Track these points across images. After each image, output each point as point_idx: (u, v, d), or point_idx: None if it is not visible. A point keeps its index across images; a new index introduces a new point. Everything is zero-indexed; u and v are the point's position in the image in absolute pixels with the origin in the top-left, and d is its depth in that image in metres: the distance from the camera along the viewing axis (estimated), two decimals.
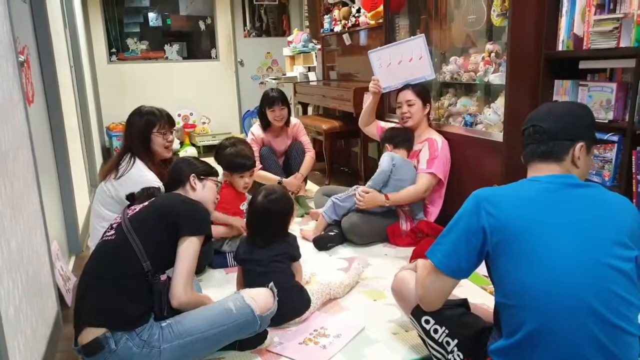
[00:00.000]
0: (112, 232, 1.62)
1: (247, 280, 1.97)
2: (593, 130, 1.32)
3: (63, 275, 2.29)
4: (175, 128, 2.46)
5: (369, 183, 2.79)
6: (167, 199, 1.77)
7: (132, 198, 1.80)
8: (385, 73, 3.02)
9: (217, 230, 2.46)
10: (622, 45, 1.93)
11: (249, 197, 2.63)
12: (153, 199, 1.74)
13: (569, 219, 1.19)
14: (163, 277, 1.60)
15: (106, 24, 5.90)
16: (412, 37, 3.05)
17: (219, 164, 2.70)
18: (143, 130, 2.28)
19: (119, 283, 1.52)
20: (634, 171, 1.94)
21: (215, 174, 1.97)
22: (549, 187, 1.24)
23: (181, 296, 1.56)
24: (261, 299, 1.70)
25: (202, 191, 1.86)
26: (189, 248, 1.60)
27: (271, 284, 1.80)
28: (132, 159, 2.25)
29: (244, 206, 2.64)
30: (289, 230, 2.09)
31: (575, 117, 1.29)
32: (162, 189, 1.94)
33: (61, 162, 2.69)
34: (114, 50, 6.00)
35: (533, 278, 1.16)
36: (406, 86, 2.90)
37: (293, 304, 1.93)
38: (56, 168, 2.65)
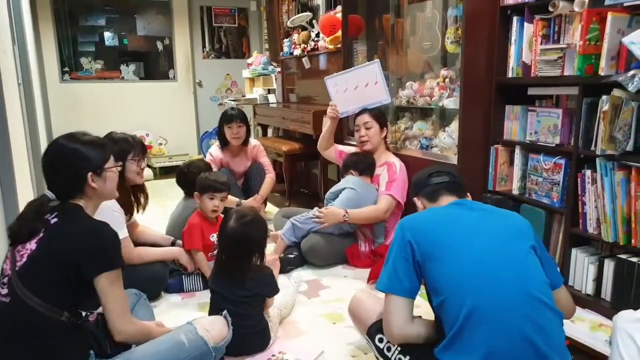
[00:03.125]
0: (6, 290, 1.36)
1: (212, 313, 1.88)
2: None
3: None
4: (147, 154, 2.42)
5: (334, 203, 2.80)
6: (59, 238, 1.39)
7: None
8: (342, 98, 3.06)
9: (153, 254, 2.39)
10: (566, 73, 2.03)
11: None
12: (41, 236, 1.39)
13: (479, 222, 1.42)
14: (92, 317, 1.47)
15: (59, 42, 5.73)
16: (367, 62, 3.12)
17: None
18: (117, 157, 2.22)
19: (35, 346, 1.32)
20: (579, 193, 2.02)
21: (109, 156, 1.57)
22: (457, 206, 1.49)
23: (122, 331, 1.43)
24: (215, 329, 1.63)
25: (104, 186, 1.53)
26: (108, 285, 1.39)
27: (225, 312, 1.75)
28: None
29: (215, 238, 2.51)
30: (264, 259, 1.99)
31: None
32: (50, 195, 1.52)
33: (6, 185, 2.55)
34: (66, 69, 5.83)
35: (459, 267, 1.30)
36: (363, 110, 2.95)
37: (254, 346, 1.89)
38: (0, 191, 2.52)
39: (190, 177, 2.74)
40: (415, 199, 1.64)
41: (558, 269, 1.51)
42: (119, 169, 1.61)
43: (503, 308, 1.23)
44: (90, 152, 1.49)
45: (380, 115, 2.94)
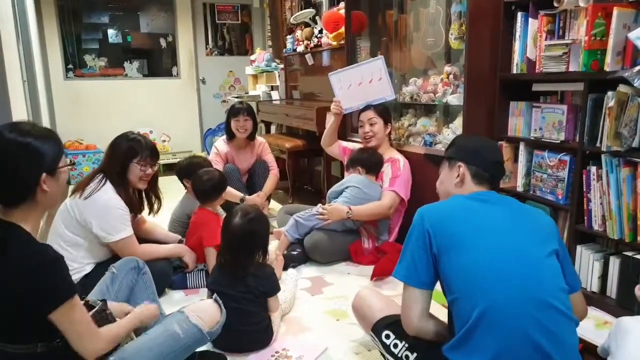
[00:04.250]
0: None
1: None
2: None
3: None
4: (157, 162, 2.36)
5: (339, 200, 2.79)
6: (7, 274, 1.18)
7: None
8: (346, 94, 3.05)
9: (158, 251, 2.40)
10: (571, 69, 2.02)
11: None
12: None
13: (501, 219, 1.36)
14: None
15: (63, 40, 5.75)
16: (371, 58, 3.11)
17: (198, 190, 2.63)
18: (123, 157, 2.22)
19: None
20: (584, 190, 2.01)
21: (63, 151, 1.34)
22: (482, 198, 1.42)
23: (92, 354, 1.29)
24: (207, 314, 1.60)
25: (56, 188, 1.30)
26: (64, 318, 1.22)
27: (215, 295, 1.74)
28: (103, 181, 2.18)
29: None
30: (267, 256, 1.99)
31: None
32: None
33: None
34: (70, 66, 5.84)
35: (475, 265, 1.26)
36: (368, 106, 2.94)
37: (257, 343, 1.89)
38: None
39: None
40: (460, 163, 1.50)
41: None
42: (70, 168, 1.38)
43: (514, 312, 1.21)
44: (45, 147, 1.25)
45: (384, 111, 2.93)
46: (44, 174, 1.24)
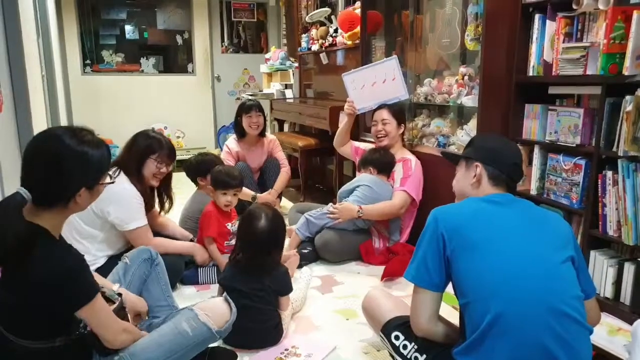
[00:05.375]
0: None
1: None
2: None
3: None
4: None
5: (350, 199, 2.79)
6: (23, 278, 1.22)
7: None
8: (360, 95, 3.05)
9: (173, 246, 2.43)
10: (588, 72, 1.99)
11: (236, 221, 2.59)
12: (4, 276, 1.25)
13: (517, 223, 1.34)
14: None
15: (81, 35, 5.83)
16: (385, 58, 3.10)
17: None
18: (142, 151, 2.28)
19: None
20: (599, 194, 1.99)
21: (107, 166, 1.37)
22: (497, 201, 1.40)
23: (116, 343, 1.37)
24: (217, 313, 1.59)
25: (88, 201, 1.33)
26: (90, 313, 1.28)
27: (224, 293, 1.76)
28: (118, 172, 2.21)
29: (231, 226, 2.55)
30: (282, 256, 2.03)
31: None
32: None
33: None
34: (88, 61, 5.92)
35: (489, 270, 1.25)
36: (382, 105, 2.94)
37: (267, 340, 1.90)
38: None
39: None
40: (477, 163, 1.47)
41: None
42: (113, 177, 1.42)
43: (527, 319, 1.19)
44: (96, 160, 1.30)
45: (398, 111, 2.93)
46: (83, 188, 1.28)
